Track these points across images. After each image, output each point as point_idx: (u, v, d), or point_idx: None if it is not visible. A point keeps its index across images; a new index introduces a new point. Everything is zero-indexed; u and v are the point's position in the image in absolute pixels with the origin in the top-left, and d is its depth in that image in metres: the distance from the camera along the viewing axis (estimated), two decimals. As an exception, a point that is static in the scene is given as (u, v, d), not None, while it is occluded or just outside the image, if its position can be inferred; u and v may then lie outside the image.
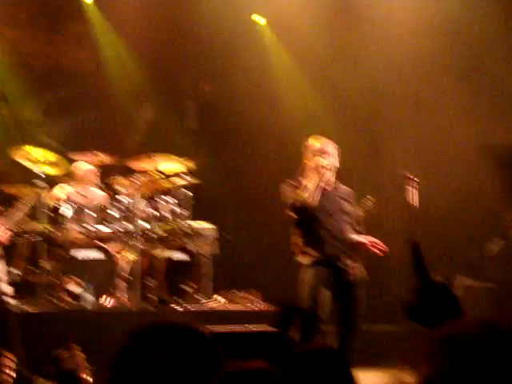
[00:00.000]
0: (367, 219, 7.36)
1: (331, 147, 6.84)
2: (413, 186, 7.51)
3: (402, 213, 9.45)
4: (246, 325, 6.81)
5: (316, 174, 6.70)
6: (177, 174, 9.79)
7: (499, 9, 10.41)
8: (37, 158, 9.12)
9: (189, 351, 2.15)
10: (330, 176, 6.85)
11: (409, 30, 11.15)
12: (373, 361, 7.29)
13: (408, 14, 11.23)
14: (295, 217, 6.79)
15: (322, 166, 6.68)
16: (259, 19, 11.88)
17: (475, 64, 10.90)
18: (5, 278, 8.55)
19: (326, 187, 6.81)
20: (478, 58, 10.90)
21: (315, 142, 6.85)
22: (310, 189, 6.67)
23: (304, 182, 6.77)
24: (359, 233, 6.99)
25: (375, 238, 6.98)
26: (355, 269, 6.76)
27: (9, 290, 8.44)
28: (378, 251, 6.84)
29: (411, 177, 7.56)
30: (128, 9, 11.20)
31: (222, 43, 11.28)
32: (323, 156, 6.74)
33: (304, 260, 6.76)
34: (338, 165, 6.89)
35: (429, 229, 9.66)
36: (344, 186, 7.03)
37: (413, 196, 7.50)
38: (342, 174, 7.23)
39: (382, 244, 6.86)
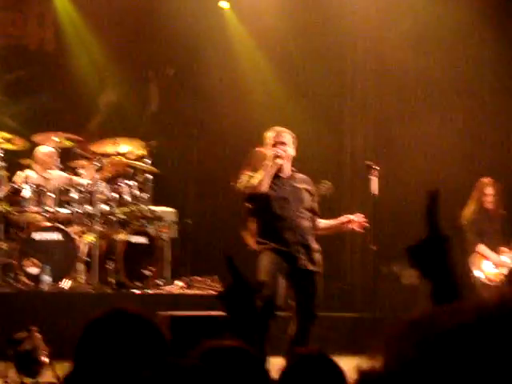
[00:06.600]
0: (326, 207, 7.38)
1: (286, 136, 6.83)
2: (374, 175, 7.56)
3: (361, 202, 9.52)
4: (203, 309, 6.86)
5: (268, 163, 6.72)
6: (138, 158, 9.78)
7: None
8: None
9: (138, 337, 2.29)
10: (285, 164, 6.84)
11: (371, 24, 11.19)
12: (343, 348, 7.29)
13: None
14: (250, 205, 6.80)
15: (274, 155, 6.70)
16: (223, 4, 11.84)
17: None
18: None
19: (281, 175, 6.82)
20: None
21: (270, 133, 6.87)
22: (259, 176, 6.70)
23: (258, 171, 6.80)
24: (320, 217, 7.00)
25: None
26: (311, 256, 6.73)
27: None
28: (359, 227, 6.80)
29: (372, 165, 7.61)
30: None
31: (186, 28, 11.21)
32: (277, 145, 6.75)
33: (258, 248, 6.76)
34: (293, 153, 6.88)
35: (388, 218, 9.73)
36: (301, 175, 7.02)
37: (373, 184, 7.55)
38: (302, 163, 7.25)
39: (363, 218, 6.83)
